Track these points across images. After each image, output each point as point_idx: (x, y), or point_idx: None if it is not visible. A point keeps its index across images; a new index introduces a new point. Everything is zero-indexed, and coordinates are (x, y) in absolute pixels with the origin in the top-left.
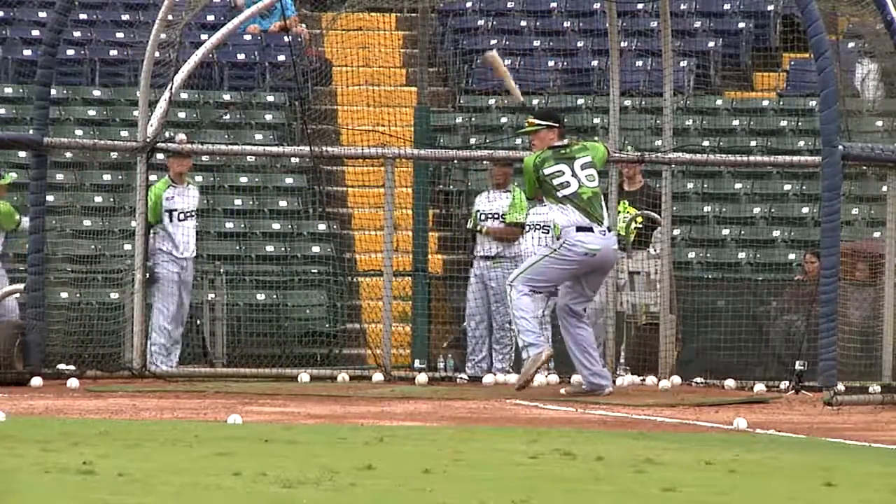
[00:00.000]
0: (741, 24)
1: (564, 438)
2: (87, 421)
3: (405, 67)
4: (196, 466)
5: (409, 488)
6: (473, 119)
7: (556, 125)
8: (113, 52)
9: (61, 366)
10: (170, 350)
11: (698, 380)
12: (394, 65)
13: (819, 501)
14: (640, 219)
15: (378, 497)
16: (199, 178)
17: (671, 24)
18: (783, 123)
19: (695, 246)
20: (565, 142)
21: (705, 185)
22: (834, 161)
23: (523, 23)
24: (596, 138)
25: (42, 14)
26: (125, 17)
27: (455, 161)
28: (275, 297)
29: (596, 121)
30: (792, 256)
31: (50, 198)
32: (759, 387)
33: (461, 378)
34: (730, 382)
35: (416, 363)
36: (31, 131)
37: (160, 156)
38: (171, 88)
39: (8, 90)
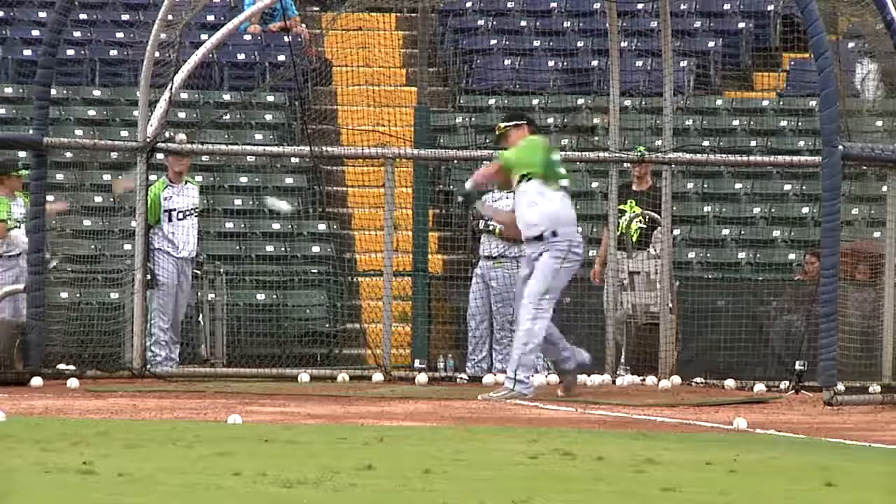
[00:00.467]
0: (741, 24)
1: (564, 438)
2: (87, 421)
3: (405, 67)
4: (196, 466)
5: (409, 488)
6: (473, 119)
7: (523, 122)
8: (113, 52)
9: (61, 366)
10: (171, 350)
11: (698, 380)
12: (394, 65)
13: (819, 501)
14: (642, 218)
15: (378, 497)
16: (199, 178)
17: (671, 24)
18: (783, 123)
19: (695, 246)
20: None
21: (705, 185)
22: (834, 161)
23: (523, 23)
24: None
25: (42, 14)
26: (125, 17)
27: (455, 161)
28: (275, 297)
29: (596, 121)
30: (792, 256)
31: (50, 198)
32: (759, 387)
33: (461, 378)
34: (730, 382)
35: (416, 363)
36: (31, 131)
37: (160, 156)
38: (171, 88)
39: (8, 90)
